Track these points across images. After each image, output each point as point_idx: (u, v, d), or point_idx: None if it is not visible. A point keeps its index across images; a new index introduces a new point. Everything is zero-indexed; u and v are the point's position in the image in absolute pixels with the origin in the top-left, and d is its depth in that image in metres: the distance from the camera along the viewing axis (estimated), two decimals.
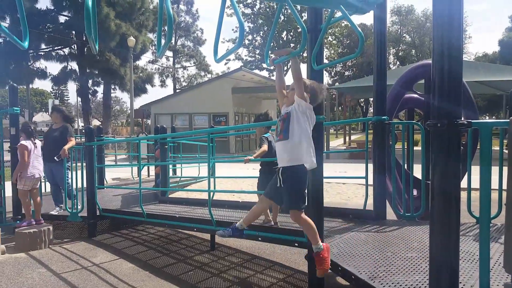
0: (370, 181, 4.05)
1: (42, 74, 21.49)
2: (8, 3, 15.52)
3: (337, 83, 45.82)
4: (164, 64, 38.30)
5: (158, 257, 4.47)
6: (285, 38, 36.78)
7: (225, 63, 42.88)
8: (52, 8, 20.30)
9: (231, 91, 20.62)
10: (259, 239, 3.57)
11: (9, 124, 5.48)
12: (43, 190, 5.68)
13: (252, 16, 37.76)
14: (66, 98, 63.66)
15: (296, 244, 3.28)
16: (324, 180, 3.03)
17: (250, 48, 40.51)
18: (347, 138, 23.74)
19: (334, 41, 41.60)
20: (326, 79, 58.22)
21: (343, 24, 41.98)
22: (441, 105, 1.66)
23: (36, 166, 5.11)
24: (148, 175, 10.21)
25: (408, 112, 5.40)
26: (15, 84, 5.59)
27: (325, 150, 20.22)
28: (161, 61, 37.36)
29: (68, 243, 5.08)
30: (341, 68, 54.46)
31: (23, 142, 5.00)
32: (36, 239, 4.74)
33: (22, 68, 19.70)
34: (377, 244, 3.04)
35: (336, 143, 27.16)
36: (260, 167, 4.02)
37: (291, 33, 36.31)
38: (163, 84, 34.71)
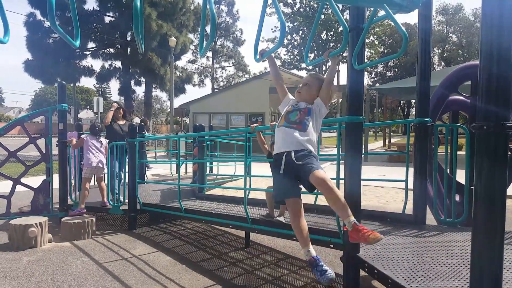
0: (410, 185, 3.93)
1: (89, 72, 22.62)
2: (59, 4, 16.50)
3: (377, 84, 44.65)
4: (204, 64, 39.09)
5: (194, 252, 4.59)
6: (324, 38, 36.31)
7: (264, 61, 42.97)
8: (98, 9, 21.31)
9: (268, 91, 20.68)
10: (294, 238, 3.55)
11: (58, 119, 5.82)
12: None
13: (292, 15, 37.60)
14: (108, 96, 66.59)
15: (332, 246, 3.24)
16: (362, 183, 2.98)
17: (289, 47, 40.38)
18: (386, 140, 23.06)
19: (375, 41, 40.53)
20: (366, 79, 56.96)
21: (385, 23, 40.84)
22: (488, 107, 1.60)
23: (97, 156, 5.66)
24: (186, 172, 10.47)
25: (453, 115, 5.18)
26: (63, 82, 5.90)
27: (363, 152, 19.85)
28: (200, 61, 38.16)
29: (109, 234, 5.33)
30: (382, 68, 53.03)
31: (84, 136, 5.77)
32: (80, 229, 5.01)
33: (69, 66, 20.83)
34: (415, 249, 2.95)
35: (375, 145, 26.44)
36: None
37: (331, 33, 35.80)
38: (201, 83, 35.40)
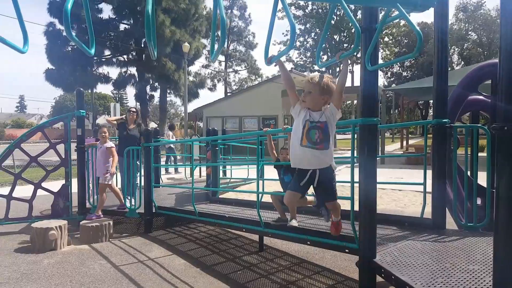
0: (429, 188, 3.84)
1: (105, 79, 23.03)
2: (76, 14, 16.90)
3: (393, 85, 44.05)
4: (216, 69, 39.34)
5: (209, 255, 4.59)
6: (337, 39, 36.08)
7: (275, 65, 43.04)
8: (114, 17, 21.69)
9: (280, 93, 20.64)
10: (308, 243, 3.53)
11: (76, 125, 5.92)
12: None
13: (304, 18, 37.52)
14: (125, 102, 67.69)
15: (347, 250, 3.19)
16: (379, 186, 2.93)
17: (301, 50, 40.25)
18: (404, 142, 22.67)
19: (390, 41, 40.02)
20: (382, 80, 56.32)
21: (401, 23, 40.34)
22: (508, 107, 1.54)
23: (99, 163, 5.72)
24: (200, 176, 10.52)
25: (473, 115, 5.05)
26: (81, 89, 6.02)
27: (379, 154, 19.46)
28: (213, 65, 38.43)
29: (126, 237, 5.38)
30: (398, 69, 52.34)
31: (111, 144, 5.74)
32: (98, 232, 5.07)
33: (87, 74, 21.24)
34: (434, 254, 2.87)
35: (392, 147, 26.04)
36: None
37: (344, 34, 35.56)
38: (214, 88, 35.66)
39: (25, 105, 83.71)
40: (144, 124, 24.31)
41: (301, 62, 40.39)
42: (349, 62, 3.12)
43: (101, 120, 48.59)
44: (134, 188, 5.84)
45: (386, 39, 38.29)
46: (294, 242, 3.91)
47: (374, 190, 2.84)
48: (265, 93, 20.44)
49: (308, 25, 37.34)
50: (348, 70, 2.78)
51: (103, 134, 5.60)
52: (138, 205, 5.66)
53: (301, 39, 39.91)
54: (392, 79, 52.59)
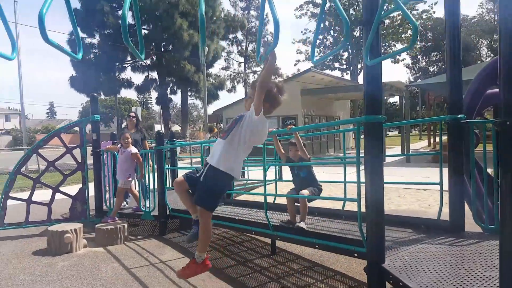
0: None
1: (128, 84, 23.55)
2: (98, 20, 17.45)
3: (419, 80, 42.89)
4: (236, 70, 39.46)
5: (220, 258, 4.55)
6: (356, 35, 35.48)
7: (295, 64, 42.90)
8: (133, 22, 22.14)
9: (300, 93, 20.45)
10: (316, 246, 3.42)
11: (91, 130, 6.04)
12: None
13: (322, 16, 37.13)
14: (150, 106, 69.02)
15: (356, 255, 3.06)
16: (401, 186, 2.80)
17: (321, 47, 39.84)
18: (431, 139, 21.95)
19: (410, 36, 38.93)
20: (407, 75, 54.86)
21: (424, 16, 39.23)
22: (510, 101, 1.40)
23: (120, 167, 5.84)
24: None
25: (495, 110, 4.78)
26: (95, 94, 6.13)
27: (401, 153, 18.72)
28: (233, 67, 38.60)
29: (141, 240, 5.43)
30: (425, 64, 50.91)
31: (136, 149, 5.84)
32: (113, 235, 5.14)
33: (110, 79, 21.79)
34: (449, 259, 2.71)
35: (420, 145, 25.34)
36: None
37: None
38: (233, 89, 35.77)
39: (55, 111, 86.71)
40: (165, 127, 24.68)
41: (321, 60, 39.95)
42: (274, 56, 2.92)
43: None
44: (145, 191, 5.90)
45: (409, 32, 37.30)
46: (303, 245, 3.81)
47: (381, 191, 2.70)
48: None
49: (327, 23, 36.92)
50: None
51: (126, 140, 5.70)
52: (153, 207, 5.71)
53: (321, 36, 39.52)
54: (418, 74, 51.19)
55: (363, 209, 2.81)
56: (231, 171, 2.69)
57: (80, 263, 4.38)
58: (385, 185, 2.75)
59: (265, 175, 3.99)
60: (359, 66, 37.82)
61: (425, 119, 11.04)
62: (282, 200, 5.97)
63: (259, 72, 40.96)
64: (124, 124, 6.96)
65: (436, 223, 3.60)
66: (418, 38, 42.54)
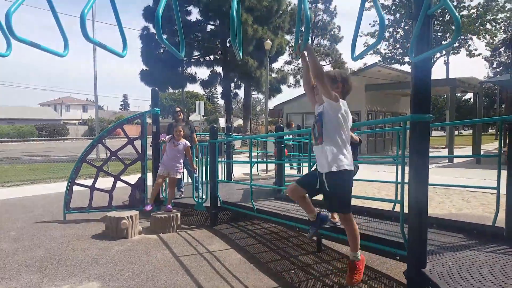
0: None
1: (192, 79, 24.59)
2: (167, 17, 18.39)
3: (498, 76, 38.94)
4: (300, 65, 39.07)
5: (265, 252, 4.61)
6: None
7: (361, 59, 41.27)
8: (201, 18, 23.00)
9: (364, 88, 19.71)
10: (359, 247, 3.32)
11: (152, 122, 6.43)
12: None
13: (394, 7, 35.22)
14: (215, 100, 71.33)
15: (398, 258, 2.93)
16: (465, 189, 2.62)
17: (391, 41, 37.90)
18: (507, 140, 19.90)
19: (493, 28, 35.31)
20: (486, 70, 50.09)
21: (507, 7, 35.39)
22: None
23: (168, 157, 6.09)
24: (266, 172, 10.65)
25: None
26: (156, 89, 6.51)
27: (442, 155, 17.24)
28: (296, 62, 38.26)
29: (192, 229, 5.69)
30: (507, 58, 45.96)
31: (188, 142, 6.11)
32: (166, 223, 5.45)
33: (177, 74, 22.92)
34: (497, 269, 2.47)
35: (494, 146, 23.15)
36: None
37: (438, 22, 32.48)
38: (296, 84, 35.52)
39: (128, 103, 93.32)
40: (227, 121, 25.32)
41: (390, 54, 38.09)
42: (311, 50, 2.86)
43: (193, 117, 52.08)
44: (197, 182, 6.17)
45: (488, 26, 34.01)
46: (345, 244, 3.71)
47: (424, 192, 2.55)
48: None
49: (397, 15, 34.99)
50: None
51: (179, 132, 5.99)
52: (205, 199, 5.95)
53: (390, 29, 37.60)
54: (499, 69, 46.49)
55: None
56: (349, 166, 2.77)
57: (134, 249, 4.71)
58: (448, 187, 2.62)
59: (309, 170, 3.94)
60: (442, 60, 35.36)
61: (480, 119, 10.05)
62: None
63: (324, 66, 40.30)
64: (172, 119, 7.27)
65: (490, 230, 3.31)
66: (503, 28, 38.63)
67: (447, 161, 15.12)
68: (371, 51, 40.02)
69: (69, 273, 3.93)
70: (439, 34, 32.46)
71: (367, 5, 38.71)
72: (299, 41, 2.63)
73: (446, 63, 33.50)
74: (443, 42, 33.84)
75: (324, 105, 2.69)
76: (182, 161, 6.06)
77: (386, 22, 37.59)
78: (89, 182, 6.30)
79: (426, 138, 2.55)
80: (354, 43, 1.95)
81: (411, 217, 2.58)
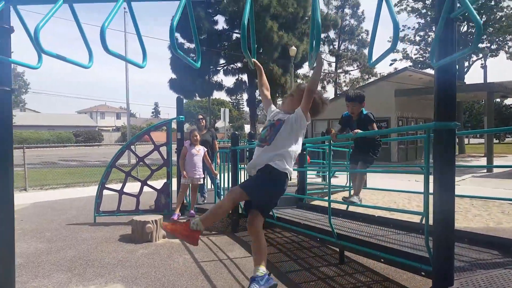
0: None
1: (219, 87, 24.83)
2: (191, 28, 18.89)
3: None
4: (326, 70, 38.73)
5: (286, 261, 4.53)
6: (462, 30, 31.95)
7: (391, 64, 40.30)
8: (227, 27, 23.24)
9: (394, 93, 19.25)
10: (382, 260, 3.20)
11: (176, 129, 6.53)
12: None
13: (424, 10, 34.23)
14: (241, 107, 71.81)
15: (423, 273, 2.79)
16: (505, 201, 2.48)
17: (421, 45, 36.80)
18: None
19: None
20: None
21: None
22: None
23: (191, 164, 6.16)
24: (290, 179, 10.50)
25: None
26: (181, 97, 6.61)
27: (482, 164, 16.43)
28: (323, 67, 37.89)
29: (214, 235, 5.69)
30: None
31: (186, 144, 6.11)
32: None
33: (204, 82, 23.22)
34: None
35: None
36: None
37: (472, 24, 31.25)
38: (323, 90, 35.14)
39: (159, 111, 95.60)
40: (252, 127, 25.33)
41: (421, 59, 36.97)
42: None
43: (219, 124, 52.66)
44: (216, 188, 6.20)
45: None
46: (367, 257, 3.58)
47: (451, 204, 2.42)
48: (377, 93, 19.33)
49: (428, 18, 34.00)
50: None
51: (195, 137, 6.05)
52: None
53: (421, 33, 36.57)
54: None
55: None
56: (289, 173, 2.63)
57: (157, 252, 4.77)
58: (487, 200, 2.47)
59: (329, 180, 3.86)
60: (466, 64, 34.00)
61: (505, 128, 9.53)
62: (355, 208, 5.72)
63: (351, 71, 39.72)
64: (193, 126, 7.38)
65: None
66: None
67: (485, 171, 14.45)
68: (401, 55, 39.12)
69: (96, 274, 4.03)
70: (472, 36, 31.20)
71: (396, 8, 37.95)
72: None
73: (484, 67, 32.18)
74: (480, 45, 32.49)
75: (292, 115, 2.58)
76: (201, 165, 6.10)
77: (417, 25, 36.76)
78: (118, 186, 6.48)
79: (452, 146, 2.43)
80: (371, 48, 1.88)
81: (436, 230, 2.45)
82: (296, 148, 2.60)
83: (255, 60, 2.57)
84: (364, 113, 4.39)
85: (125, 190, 6.25)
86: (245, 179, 3.36)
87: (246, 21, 1.67)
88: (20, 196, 9.11)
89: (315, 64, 2.38)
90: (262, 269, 2.50)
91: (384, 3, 1.64)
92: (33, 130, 42.78)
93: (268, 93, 2.90)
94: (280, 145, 2.55)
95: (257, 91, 25.31)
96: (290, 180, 2.76)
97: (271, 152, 2.53)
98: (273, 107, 2.84)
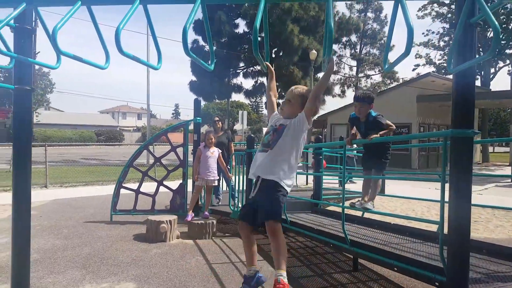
0: None
1: (238, 89, 24.96)
2: (214, 31, 19.06)
3: None
4: (347, 74, 38.32)
5: (298, 266, 4.50)
6: (488, 35, 31.10)
7: (413, 69, 39.54)
8: (248, 30, 23.35)
9: (415, 99, 18.88)
10: (395, 269, 3.14)
11: (193, 131, 6.59)
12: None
13: (450, 15, 33.51)
14: (260, 109, 71.89)
15: (437, 284, 2.71)
16: None
17: (446, 50, 35.99)
18: None
19: None
20: None
21: None
22: None
23: (205, 166, 6.12)
24: (306, 183, 10.47)
25: None
26: (198, 99, 6.68)
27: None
28: (343, 71, 37.54)
29: (227, 237, 5.71)
30: None
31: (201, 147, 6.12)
32: (203, 229, 5.52)
33: (223, 85, 23.38)
34: None
35: None
36: None
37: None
38: (342, 94, 34.73)
39: (179, 112, 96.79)
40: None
41: (445, 64, 36.13)
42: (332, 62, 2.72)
43: (238, 126, 52.92)
44: (233, 190, 6.20)
45: None
46: (380, 265, 3.51)
47: (466, 213, 2.34)
48: (397, 98, 19.01)
49: (454, 23, 33.23)
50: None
51: (210, 140, 6.07)
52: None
53: (446, 38, 35.83)
54: None
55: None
56: (289, 187, 2.69)
57: (170, 253, 4.81)
58: (510, 210, 2.38)
59: (344, 185, 3.81)
60: (492, 70, 33.03)
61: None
62: (371, 215, 5.62)
63: (373, 76, 39.21)
64: (210, 128, 7.40)
65: None
66: None
67: (510, 180, 13.98)
68: (424, 60, 38.37)
69: (109, 272, 4.10)
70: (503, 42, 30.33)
71: (420, 13, 37.35)
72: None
73: (511, 73, 31.18)
74: (507, 51, 31.51)
75: (294, 120, 2.59)
76: (215, 167, 6.09)
77: (441, 30, 35.99)
78: (135, 186, 6.58)
79: (469, 154, 2.35)
80: (387, 53, 1.86)
81: (451, 240, 2.38)
82: (298, 153, 2.63)
83: (267, 63, 2.57)
84: (373, 115, 4.23)
85: (141, 189, 6.34)
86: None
87: (258, 24, 1.66)
88: (41, 193, 9.38)
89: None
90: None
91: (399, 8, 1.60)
92: (56, 129, 43.99)
93: (274, 99, 2.94)
94: (283, 150, 2.58)
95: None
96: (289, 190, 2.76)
97: (274, 156, 2.58)
98: (276, 112, 2.86)
